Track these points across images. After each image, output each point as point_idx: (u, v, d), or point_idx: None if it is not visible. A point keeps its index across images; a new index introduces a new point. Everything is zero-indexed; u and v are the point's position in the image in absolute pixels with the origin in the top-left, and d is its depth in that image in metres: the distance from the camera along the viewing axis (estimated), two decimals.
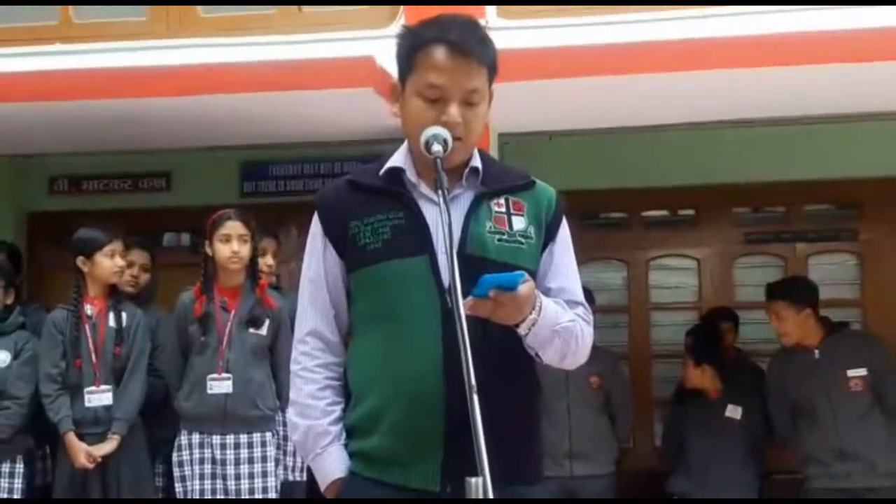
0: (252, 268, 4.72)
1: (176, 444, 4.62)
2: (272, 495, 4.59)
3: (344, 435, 2.33)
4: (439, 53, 2.24)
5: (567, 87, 4.82)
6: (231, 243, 4.61)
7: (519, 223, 2.33)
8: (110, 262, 4.76)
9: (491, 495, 1.85)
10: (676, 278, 6.99)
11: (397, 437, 2.24)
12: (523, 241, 2.32)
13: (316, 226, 2.40)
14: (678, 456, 5.61)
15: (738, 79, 4.75)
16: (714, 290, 6.82)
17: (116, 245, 4.78)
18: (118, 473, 4.67)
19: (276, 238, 5.33)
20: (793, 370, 5.06)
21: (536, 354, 2.28)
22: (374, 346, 2.30)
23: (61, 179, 7.14)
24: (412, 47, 2.29)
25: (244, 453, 4.55)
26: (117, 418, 4.66)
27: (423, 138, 2.21)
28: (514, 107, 3.95)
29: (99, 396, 4.67)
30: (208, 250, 4.67)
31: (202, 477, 4.55)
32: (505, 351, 2.23)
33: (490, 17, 4.54)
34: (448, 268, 2.06)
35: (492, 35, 2.34)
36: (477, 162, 2.35)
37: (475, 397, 1.91)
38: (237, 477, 4.54)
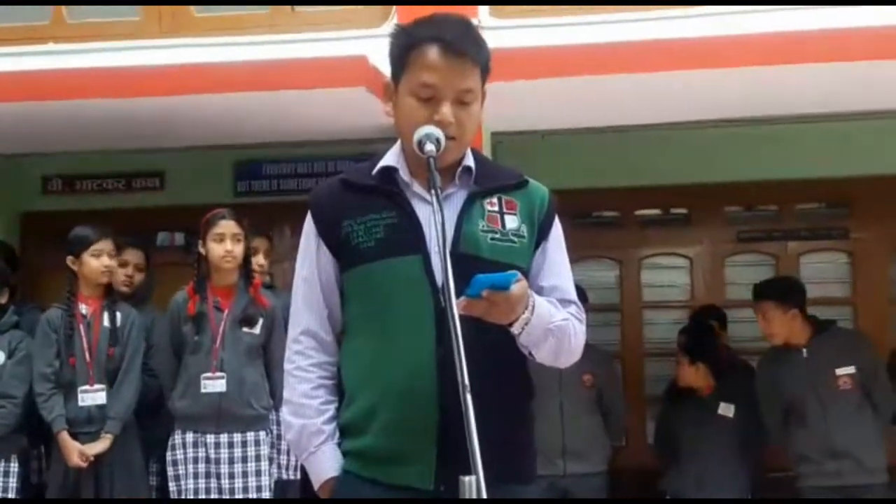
0: (245, 267, 4.73)
1: (170, 443, 4.62)
2: (266, 494, 4.59)
3: (338, 434, 2.34)
4: (433, 53, 2.24)
5: (560, 86, 4.83)
6: (225, 242, 4.62)
7: (512, 222, 2.34)
8: (97, 262, 4.75)
9: (484, 494, 1.85)
10: (669, 277, 7.00)
11: (390, 436, 2.25)
12: (516, 239, 2.33)
13: (309, 225, 2.40)
14: (671, 454, 5.63)
15: (730, 78, 4.77)
16: (706, 288, 6.83)
17: (104, 244, 4.77)
18: (111, 473, 4.66)
19: (267, 237, 5.34)
20: (782, 370, 5.08)
21: (530, 353, 2.29)
22: (367, 345, 2.30)
23: (55, 179, 7.12)
24: (405, 46, 2.30)
25: (238, 452, 4.55)
26: (111, 417, 4.66)
27: (415, 137, 2.22)
28: (506, 106, 3.96)
29: (92, 396, 4.67)
30: (202, 250, 4.67)
31: (196, 476, 4.55)
32: (498, 350, 2.23)
33: (483, 16, 4.56)
34: (441, 267, 2.06)
35: (484, 34, 2.35)
36: (470, 161, 2.36)
37: (468, 396, 1.91)
38: (231, 476, 4.54)
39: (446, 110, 2.24)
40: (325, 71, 4.71)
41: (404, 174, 2.35)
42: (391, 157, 2.37)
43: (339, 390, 2.37)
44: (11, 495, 4.77)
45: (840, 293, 6.78)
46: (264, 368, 4.66)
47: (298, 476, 4.81)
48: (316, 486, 2.35)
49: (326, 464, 2.33)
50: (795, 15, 4.37)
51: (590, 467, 5.58)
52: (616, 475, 5.79)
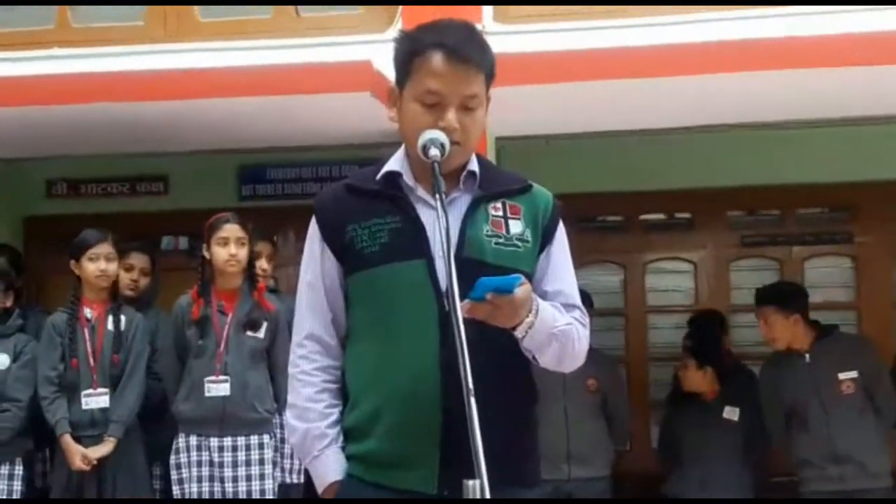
0: (249, 271, 4.73)
1: (174, 446, 4.62)
2: (270, 498, 4.59)
3: (341, 438, 2.34)
4: (437, 59, 2.25)
5: (564, 91, 4.83)
6: (229, 246, 4.62)
7: (516, 227, 2.34)
8: (93, 266, 4.75)
9: (488, 498, 1.85)
10: (673, 281, 7.00)
11: (394, 440, 2.25)
12: (520, 244, 2.33)
13: (314, 230, 2.41)
14: (674, 458, 5.62)
15: (734, 83, 4.77)
16: (710, 292, 6.83)
17: (100, 248, 4.76)
18: (114, 476, 4.67)
19: (271, 241, 5.34)
20: (784, 375, 5.09)
21: (533, 357, 2.29)
22: (371, 349, 2.31)
23: (59, 183, 7.13)
24: (410, 52, 2.30)
25: (242, 456, 4.56)
26: (113, 421, 4.66)
27: (420, 142, 2.22)
28: (511, 111, 3.96)
29: (96, 399, 4.67)
30: (206, 253, 4.67)
31: (200, 479, 4.56)
32: (502, 354, 2.23)
33: (487, 21, 4.56)
34: (446, 271, 2.07)
35: (488, 39, 2.35)
36: (474, 166, 2.36)
37: (472, 400, 1.91)
38: (235, 479, 4.54)
39: (451, 116, 2.24)
40: (330, 76, 4.71)
41: (408, 179, 2.35)
42: (395, 162, 2.37)
43: (344, 394, 2.37)
44: (15, 498, 4.77)
45: (844, 298, 6.78)
46: (268, 372, 4.66)
47: (302, 480, 4.81)
48: (319, 490, 2.35)
49: (330, 467, 2.33)
50: (800, 20, 4.37)
51: (594, 472, 5.57)
52: (620, 479, 5.79)
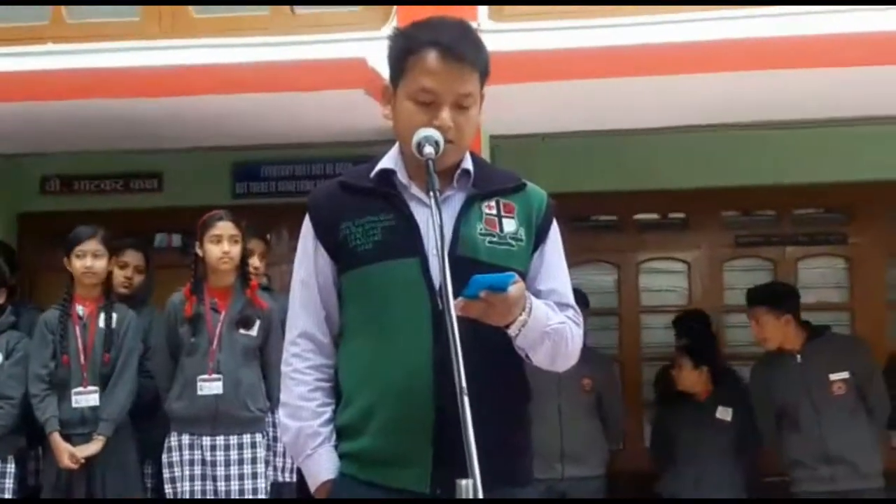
0: (243, 269, 4.72)
1: (166, 445, 4.61)
2: (262, 496, 4.59)
3: (334, 436, 2.34)
4: (432, 57, 2.24)
5: (558, 89, 4.83)
6: (222, 244, 4.61)
7: (510, 225, 2.34)
8: (79, 263, 4.73)
9: (481, 497, 1.85)
10: (667, 281, 7.00)
11: (387, 439, 2.25)
12: (514, 243, 2.33)
13: (307, 227, 2.40)
14: (667, 457, 5.63)
15: (729, 83, 4.77)
16: (704, 292, 6.84)
17: (87, 245, 4.74)
18: (103, 474, 4.65)
19: (263, 239, 5.33)
20: (776, 375, 5.09)
21: (526, 356, 2.29)
22: (364, 347, 2.30)
23: (53, 179, 7.11)
24: (404, 50, 2.30)
25: (234, 454, 4.55)
26: (103, 419, 4.65)
27: (414, 140, 2.21)
28: (505, 109, 3.97)
29: (86, 397, 4.66)
30: (199, 251, 4.66)
31: (192, 478, 4.55)
32: (495, 352, 2.23)
33: (482, 19, 4.55)
34: (439, 269, 2.06)
35: (483, 37, 2.34)
36: (468, 164, 2.36)
37: (465, 399, 1.91)
38: (227, 478, 4.53)
39: (445, 115, 2.24)
40: (325, 73, 4.71)
41: (402, 177, 2.34)
42: (389, 160, 2.37)
43: (337, 393, 2.36)
44: (8, 496, 4.76)
45: (838, 298, 6.79)
46: (261, 370, 4.66)
47: (295, 478, 4.80)
48: (312, 488, 2.34)
49: (323, 466, 2.32)
50: (794, 20, 4.37)
51: (588, 471, 5.58)
52: (613, 478, 5.79)
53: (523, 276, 2.25)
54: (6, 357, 4.81)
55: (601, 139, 6.16)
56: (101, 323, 4.75)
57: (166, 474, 4.60)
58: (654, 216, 7.12)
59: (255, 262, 5.00)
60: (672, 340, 6.27)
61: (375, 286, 2.28)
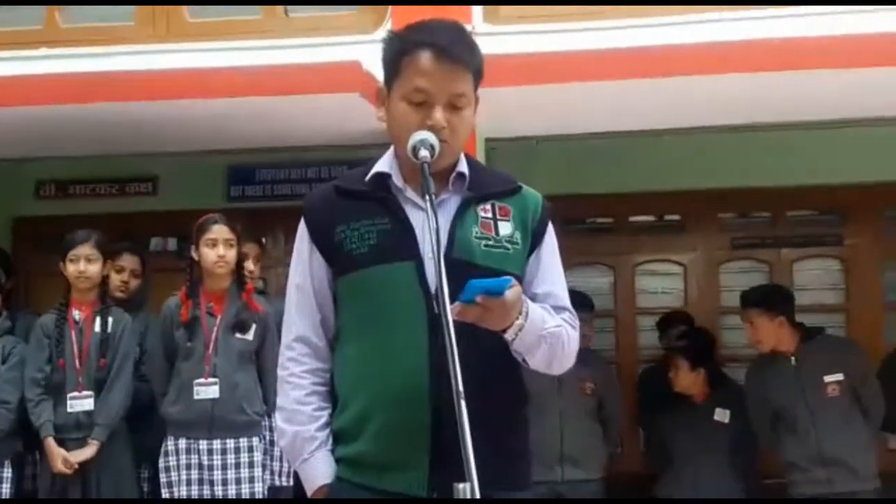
0: (238, 272, 4.72)
1: (162, 449, 4.60)
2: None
3: (331, 441, 2.33)
4: (425, 58, 2.24)
5: (554, 92, 4.83)
6: (217, 247, 4.61)
7: (505, 228, 2.34)
8: (72, 268, 4.73)
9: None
10: (663, 283, 7.01)
11: (383, 443, 2.24)
12: (509, 246, 2.32)
13: (303, 231, 2.40)
14: (665, 460, 5.62)
15: (725, 85, 4.77)
16: (700, 294, 6.84)
17: (81, 250, 4.74)
18: (98, 479, 4.65)
19: (258, 243, 5.33)
20: (770, 378, 5.10)
21: (523, 360, 2.29)
22: (360, 351, 2.30)
23: (48, 184, 7.11)
24: (398, 52, 2.30)
25: (231, 458, 4.54)
26: (98, 424, 4.64)
27: (410, 143, 2.21)
28: (500, 112, 3.96)
29: (81, 402, 4.65)
30: (194, 255, 4.66)
31: (189, 483, 4.54)
32: (492, 356, 2.23)
33: (476, 22, 4.55)
34: (435, 273, 2.06)
35: (478, 40, 2.35)
36: (463, 167, 2.36)
37: (462, 403, 1.91)
38: (224, 482, 4.53)
39: (439, 115, 2.24)
40: (319, 76, 4.71)
41: (397, 180, 2.34)
42: (384, 163, 2.37)
43: (333, 396, 2.36)
44: (4, 499, 4.75)
45: (833, 300, 6.80)
46: (257, 374, 4.65)
47: (291, 482, 4.79)
48: (309, 493, 2.34)
49: (319, 470, 2.32)
50: (789, 22, 4.37)
51: (587, 474, 5.57)
52: (610, 481, 5.79)
53: (519, 279, 2.25)
54: (2, 362, 4.81)
55: (597, 141, 6.16)
56: (97, 327, 4.75)
57: (163, 479, 4.60)
58: (650, 218, 7.13)
59: (249, 265, 4.99)
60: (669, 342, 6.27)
61: (371, 290, 2.28)
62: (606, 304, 6.91)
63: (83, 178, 7.04)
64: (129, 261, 5.27)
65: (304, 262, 2.38)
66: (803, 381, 4.99)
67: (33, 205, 7.12)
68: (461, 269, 2.18)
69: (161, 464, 4.60)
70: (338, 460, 2.31)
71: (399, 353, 2.24)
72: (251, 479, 4.56)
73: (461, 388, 1.92)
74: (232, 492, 4.52)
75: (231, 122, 5.45)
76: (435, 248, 2.06)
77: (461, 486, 1.85)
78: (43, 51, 4.87)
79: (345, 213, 2.33)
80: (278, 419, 2.40)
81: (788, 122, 5.74)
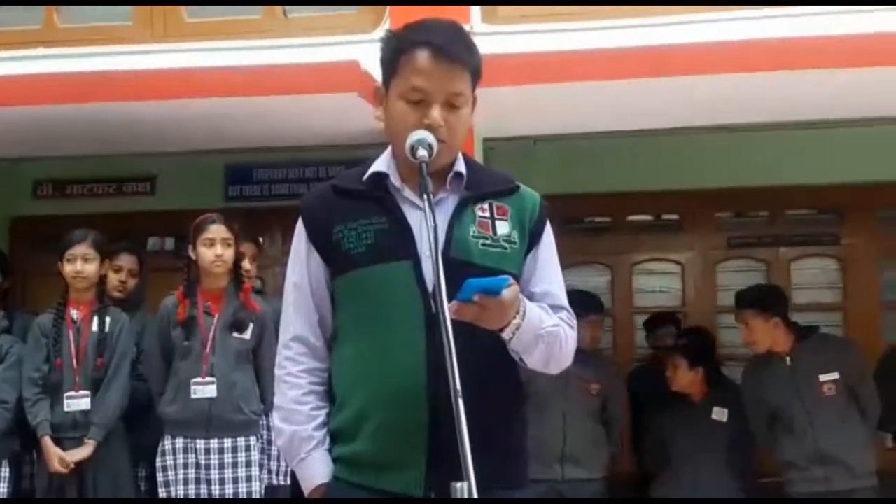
0: (236, 272, 4.72)
1: (160, 448, 4.60)
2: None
3: (328, 440, 2.33)
4: (423, 57, 2.24)
5: (552, 92, 4.83)
6: (215, 247, 4.61)
7: (503, 228, 2.34)
8: (69, 267, 4.72)
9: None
10: (660, 282, 7.02)
11: (381, 442, 2.24)
12: (507, 245, 2.32)
13: (300, 231, 2.40)
14: (663, 459, 5.62)
15: (722, 84, 4.77)
16: (697, 293, 6.85)
17: (78, 250, 4.73)
18: (95, 479, 4.64)
19: (255, 242, 5.33)
20: (766, 378, 5.09)
21: (521, 359, 2.29)
22: (358, 350, 2.30)
23: (45, 183, 7.11)
24: (396, 51, 2.30)
25: (228, 458, 4.54)
26: (94, 424, 4.64)
27: (408, 143, 2.21)
28: (498, 112, 3.96)
29: (77, 401, 4.65)
30: (192, 254, 4.66)
31: (186, 482, 4.54)
32: (489, 355, 2.23)
33: (475, 21, 4.56)
34: (433, 272, 2.06)
35: (476, 40, 2.35)
36: (461, 166, 2.36)
37: (460, 402, 1.90)
38: (221, 482, 4.52)
39: (436, 114, 2.24)
40: (317, 76, 4.71)
41: (395, 179, 2.34)
42: (382, 163, 2.37)
43: (330, 396, 2.36)
44: (1, 499, 4.75)
45: (831, 299, 6.82)
46: (254, 373, 4.65)
47: (289, 481, 4.79)
48: (306, 492, 2.34)
49: (317, 470, 2.32)
50: (784, 22, 4.38)
51: (588, 474, 5.56)
52: (610, 480, 5.79)
53: (517, 278, 2.25)
54: (0, 361, 4.80)
55: (594, 141, 6.17)
56: (95, 327, 4.74)
57: (160, 478, 4.59)
58: (648, 217, 7.15)
59: (245, 265, 4.99)
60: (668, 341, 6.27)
61: (368, 289, 2.28)
62: (604, 303, 6.91)
63: (81, 177, 7.05)
64: (126, 260, 5.27)
65: (301, 261, 2.38)
66: (799, 381, 4.99)
67: (31, 204, 7.12)
68: (459, 268, 2.18)
69: (158, 463, 4.60)
70: (335, 460, 2.31)
71: (396, 352, 2.24)
72: (248, 479, 4.56)
73: (459, 387, 1.91)
74: (229, 491, 4.52)
75: (229, 122, 5.45)
76: (433, 247, 2.06)
77: (458, 485, 1.85)
78: (41, 50, 4.88)
79: (342, 213, 2.33)
80: (276, 418, 2.40)
81: (784, 121, 5.74)
